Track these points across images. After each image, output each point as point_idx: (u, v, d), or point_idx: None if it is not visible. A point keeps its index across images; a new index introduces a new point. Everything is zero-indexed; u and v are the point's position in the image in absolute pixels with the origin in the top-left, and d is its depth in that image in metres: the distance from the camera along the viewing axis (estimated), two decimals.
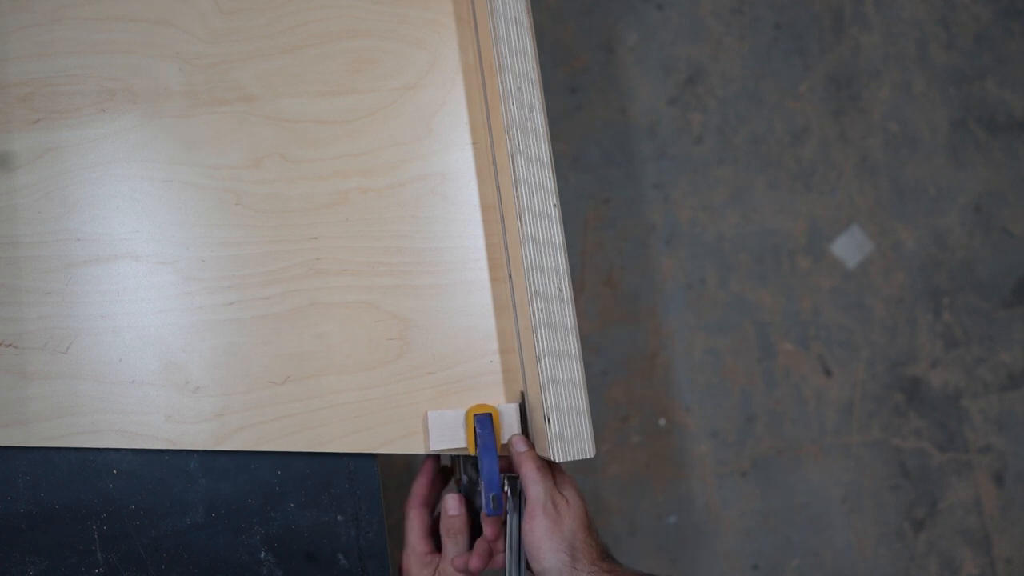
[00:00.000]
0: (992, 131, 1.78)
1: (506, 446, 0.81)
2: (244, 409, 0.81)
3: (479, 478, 0.79)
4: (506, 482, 0.79)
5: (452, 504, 0.81)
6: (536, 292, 0.77)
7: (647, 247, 1.69)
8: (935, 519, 1.66)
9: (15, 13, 0.84)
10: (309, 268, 0.84)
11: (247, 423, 0.81)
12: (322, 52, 0.88)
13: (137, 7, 0.86)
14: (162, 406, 0.80)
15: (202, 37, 0.86)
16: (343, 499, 0.82)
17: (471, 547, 0.80)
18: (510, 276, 0.84)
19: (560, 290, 0.77)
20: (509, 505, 0.78)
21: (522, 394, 0.82)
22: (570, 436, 0.75)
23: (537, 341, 0.76)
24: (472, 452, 0.79)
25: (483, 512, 0.79)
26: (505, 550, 0.78)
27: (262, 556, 0.81)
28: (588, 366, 1.59)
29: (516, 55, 0.81)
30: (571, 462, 0.75)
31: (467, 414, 0.80)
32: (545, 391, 0.75)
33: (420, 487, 0.84)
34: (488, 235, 0.86)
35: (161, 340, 0.81)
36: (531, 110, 0.80)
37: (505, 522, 0.79)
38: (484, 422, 0.79)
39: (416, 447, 0.82)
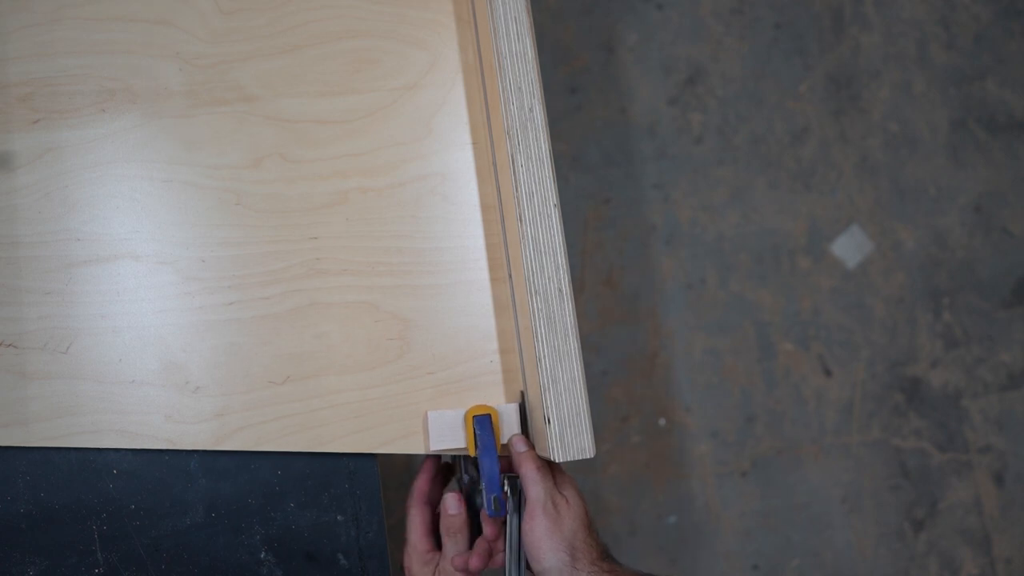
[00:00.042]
0: (992, 131, 1.78)
1: (506, 446, 0.81)
2: (244, 409, 0.81)
3: (480, 478, 0.79)
4: (506, 482, 0.79)
5: (451, 503, 0.81)
6: (536, 292, 0.77)
7: (647, 247, 1.69)
8: (935, 519, 1.66)
9: (15, 13, 0.84)
10: (309, 268, 0.84)
11: (247, 423, 0.81)
12: (322, 52, 0.88)
13: (137, 7, 0.86)
14: (162, 406, 0.80)
15: (202, 37, 0.86)
16: (343, 499, 0.82)
17: (471, 546, 0.80)
18: (510, 276, 0.84)
19: (560, 290, 0.77)
20: (509, 505, 0.78)
21: (522, 394, 0.82)
22: (570, 436, 0.75)
23: (537, 341, 0.76)
24: (472, 453, 0.79)
25: (483, 512, 0.79)
26: (505, 550, 0.78)
27: (262, 556, 0.81)
28: (588, 366, 1.59)
29: (516, 55, 0.81)
30: (571, 462, 0.75)
31: (466, 415, 0.80)
32: (545, 391, 0.75)
33: (421, 484, 0.84)
34: (488, 235, 0.86)
35: (161, 340, 0.81)
36: (531, 110, 0.80)
37: (505, 522, 0.79)
38: (483, 423, 0.79)
39: (416, 447, 0.82)
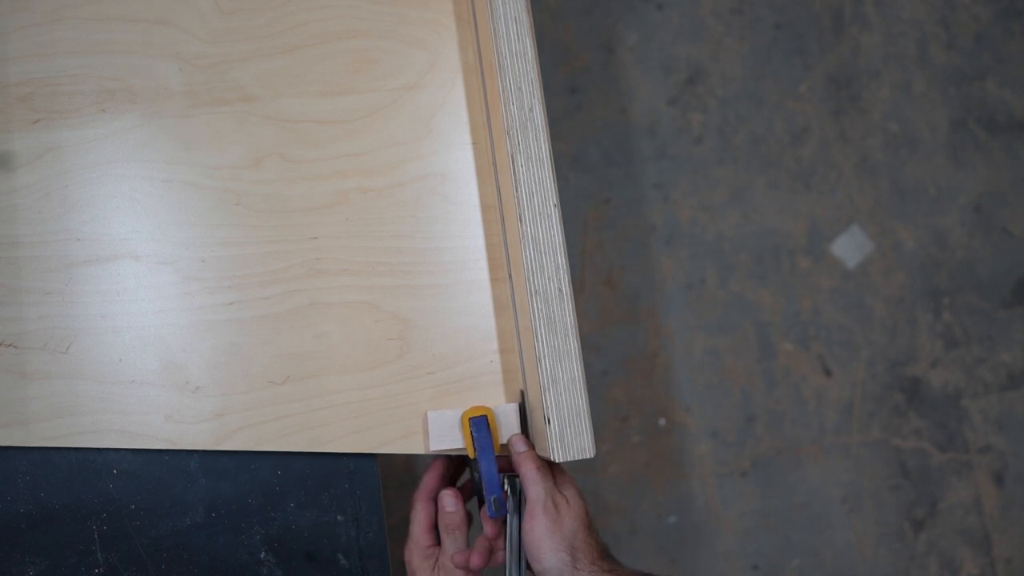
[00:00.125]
0: (992, 131, 1.78)
1: (506, 446, 0.81)
2: (244, 409, 0.81)
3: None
4: (506, 482, 0.79)
5: (449, 501, 0.81)
6: (536, 292, 0.77)
7: (647, 247, 1.69)
8: (935, 519, 1.66)
9: (15, 13, 0.84)
10: (309, 268, 0.84)
11: (247, 423, 0.81)
12: (322, 52, 0.88)
13: (137, 7, 0.86)
14: (162, 406, 0.80)
15: (202, 37, 0.86)
16: (343, 499, 0.82)
17: (470, 543, 0.81)
18: (510, 276, 0.84)
19: (560, 290, 0.77)
20: (510, 505, 0.78)
21: (522, 393, 0.82)
22: (570, 436, 0.75)
23: (537, 341, 0.76)
24: (472, 455, 0.79)
25: (483, 511, 0.79)
26: (505, 549, 0.78)
27: (262, 556, 0.81)
28: (588, 366, 1.59)
29: (516, 55, 0.81)
30: (571, 462, 0.75)
31: (463, 417, 0.80)
32: (545, 391, 0.75)
33: (430, 480, 0.84)
34: (488, 235, 0.86)
35: (161, 340, 0.81)
36: (531, 110, 0.80)
37: (505, 521, 0.79)
38: (480, 425, 0.79)
39: (416, 447, 0.82)
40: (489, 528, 0.80)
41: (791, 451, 1.65)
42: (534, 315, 0.76)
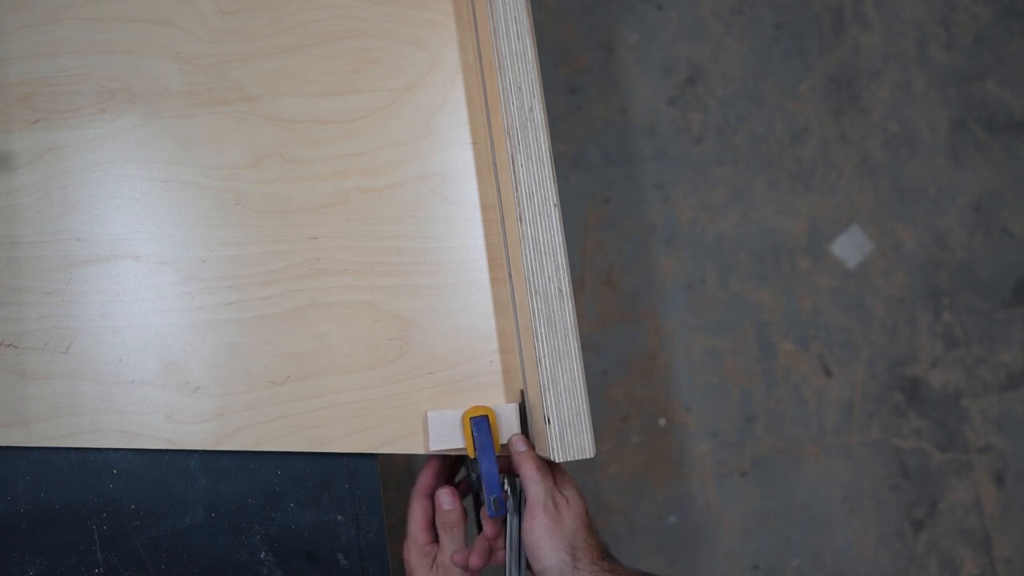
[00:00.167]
0: (992, 131, 1.78)
1: (506, 446, 0.81)
2: (244, 409, 0.81)
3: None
4: (506, 482, 0.79)
5: (446, 499, 0.81)
6: (536, 292, 0.77)
7: (647, 247, 1.69)
8: (935, 519, 1.66)
9: (15, 13, 0.84)
10: (309, 268, 0.84)
11: (247, 423, 0.81)
12: (322, 52, 0.88)
13: (137, 7, 0.86)
14: (162, 406, 0.80)
15: (202, 37, 0.86)
16: (343, 499, 0.82)
17: (467, 541, 0.81)
18: (510, 276, 0.84)
19: (560, 290, 0.77)
20: (510, 504, 0.78)
21: (522, 393, 0.82)
22: (570, 436, 0.75)
23: (537, 341, 0.76)
24: (472, 455, 0.79)
25: (483, 511, 0.79)
26: (505, 549, 0.78)
27: (262, 556, 0.81)
28: (588, 366, 1.59)
29: (516, 55, 0.81)
30: (571, 462, 0.75)
31: (463, 417, 0.80)
32: (545, 391, 0.75)
33: (426, 478, 0.84)
34: (488, 235, 0.86)
35: (161, 340, 0.81)
36: (531, 110, 0.80)
37: (505, 521, 0.79)
38: (481, 424, 0.79)
39: (416, 447, 0.82)
40: (489, 528, 0.80)
41: (791, 451, 1.65)
42: (534, 315, 0.76)
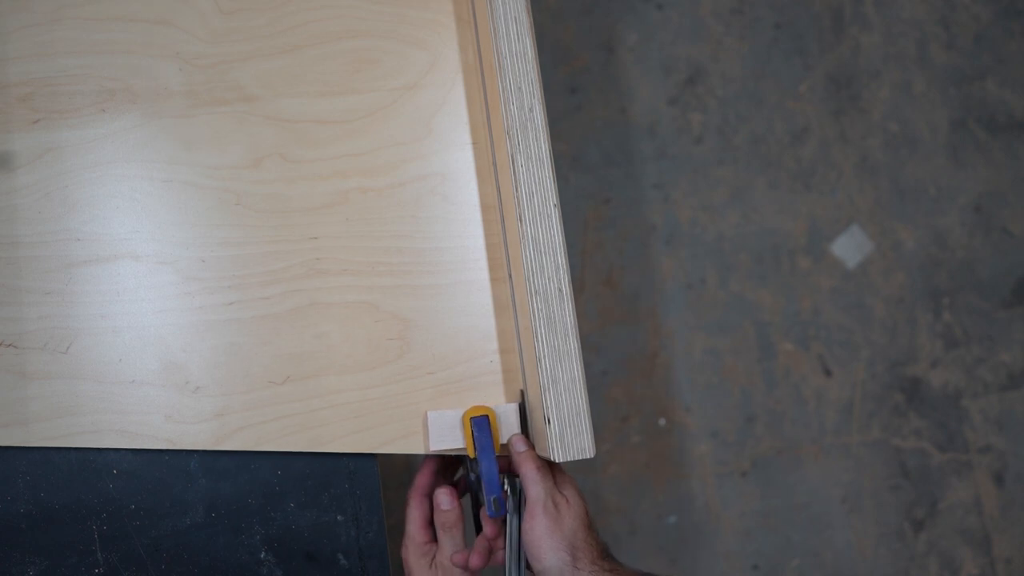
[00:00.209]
0: (992, 131, 1.78)
1: (506, 446, 0.81)
2: (244, 409, 0.81)
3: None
4: (506, 482, 0.79)
5: (444, 499, 0.81)
6: (536, 292, 0.77)
7: (647, 247, 1.69)
8: (935, 519, 1.66)
9: (15, 13, 0.84)
10: (309, 268, 0.84)
11: (247, 423, 0.81)
12: (322, 52, 0.88)
13: (137, 7, 0.86)
14: (162, 406, 0.80)
15: (202, 37, 0.86)
16: (343, 499, 0.82)
17: (466, 540, 0.81)
18: (510, 276, 0.84)
19: (560, 290, 0.77)
20: (509, 505, 0.78)
21: (522, 393, 0.82)
22: (570, 436, 0.75)
23: (537, 341, 0.76)
24: (472, 455, 0.79)
25: (483, 511, 0.79)
26: (505, 549, 0.78)
27: (262, 556, 0.81)
28: (588, 366, 1.59)
29: (516, 55, 0.81)
30: (571, 462, 0.75)
31: (464, 416, 0.80)
32: (545, 391, 0.75)
33: (423, 478, 0.84)
34: (488, 235, 0.86)
35: (161, 340, 0.81)
36: (531, 110, 0.80)
37: (505, 521, 0.79)
38: (481, 424, 0.79)
39: (416, 447, 0.82)
40: (488, 528, 0.80)
41: (791, 451, 1.65)
42: (534, 315, 0.76)
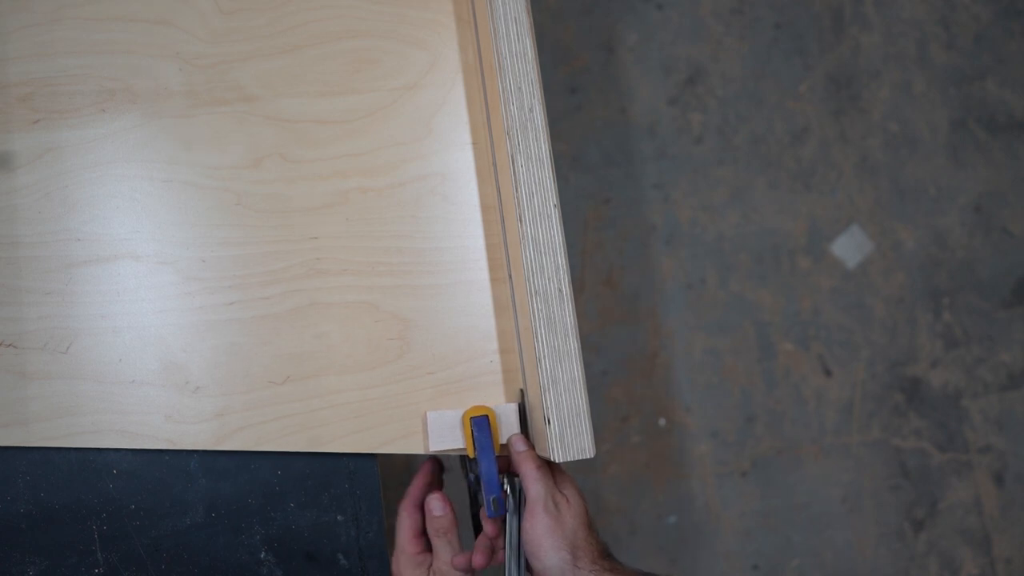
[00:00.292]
0: (992, 131, 1.78)
1: (506, 446, 0.81)
2: (244, 409, 0.81)
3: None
4: (506, 482, 0.79)
5: (436, 505, 0.80)
6: (536, 292, 0.77)
7: (647, 247, 1.69)
8: (935, 519, 1.66)
9: (15, 13, 0.84)
10: (309, 268, 0.84)
11: (247, 423, 0.81)
12: (322, 52, 0.88)
13: (137, 7, 0.86)
14: (162, 406, 0.80)
15: (202, 37, 0.86)
16: (343, 499, 0.82)
17: (461, 545, 0.80)
18: (510, 276, 0.84)
19: (560, 290, 0.77)
20: (509, 505, 0.78)
21: (522, 393, 0.82)
22: (570, 436, 0.75)
23: (537, 341, 0.76)
24: (472, 455, 0.79)
25: (482, 511, 0.79)
26: (505, 549, 0.78)
27: (262, 556, 0.81)
28: (588, 366, 1.59)
29: (516, 55, 0.81)
30: (571, 462, 0.75)
31: (464, 416, 0.80)
32: (545, 391, 0.75)
33: (415, 489, 0.84)
34: (488, 235, 0.86)
35: (161, 340, 0.81)
36: (531, 110, 0.80)
37: (505, 520, 0.79)
38: (481, 424, 0.79)
39: (416, 447, 0.82)
40: (489, 528, 0.80)
41: (791, 451, 1.65)
42: (534, 315, 0.76)
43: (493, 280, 0.86)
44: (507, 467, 0.81)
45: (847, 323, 1.70)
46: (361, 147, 0.87)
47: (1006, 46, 1.81)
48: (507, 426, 0.81)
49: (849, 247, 1.72)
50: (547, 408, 0.75)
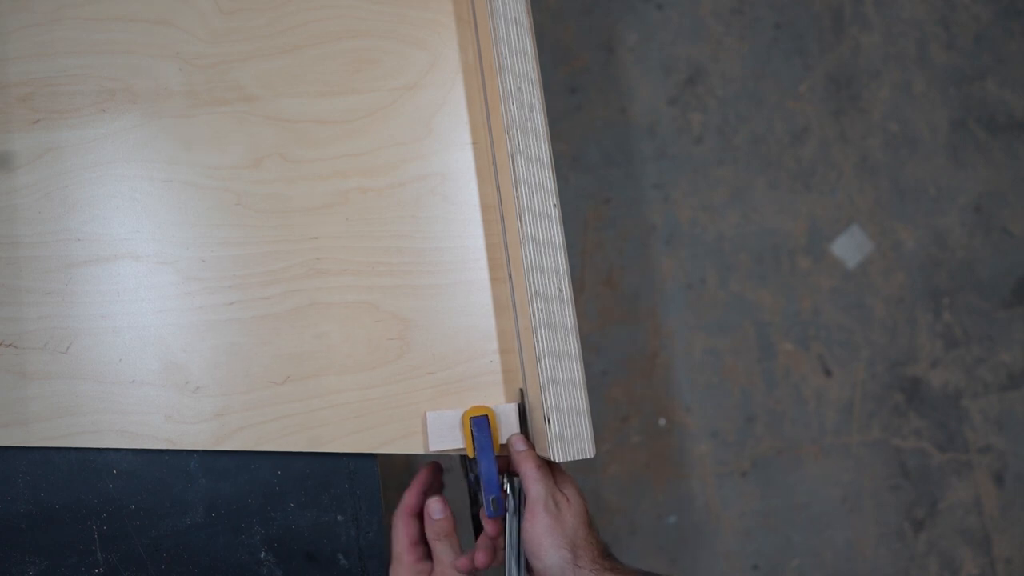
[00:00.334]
0: (992, 131, 1.78)
1: (505, 446, 0.81)
2: (244, 409, 0.81)
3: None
4: (505, 481, 0.79)
5: (435, 508, 0.80)
6: (536, 292, 0.77)
7: (647, 247, 1.69)
8: (935, 519, 1.66)
9: (15, 13, 0.84)
10: (309, 268, 0.84)
11: (247, 423, 0.81)
12: (322, 52, 0.88)
13: (137, 7, 0.86)
14: (162, 406, 0.80)
15: (202, 37, 0.86)
16: (343, 499, 0.82)
17: (461, 548, 0.80)
18: (510, 276, 0.84)
19: (560, 290, 0.77)
20: (509, 505, 0.78)
21: (522, 393, 0.82)
22: (570, 436, 0.75)
23: (537, 341, 0.76)
24: (472, 455, 0.79)
25: (482, 511, 0.79)
26: (505, 548, 0.78)
27: (262, 556, 0.81)
28: (588, 366, 1.59)
29: (516, 55, 0.81)
30: (571, 462, 0.75)
31: (463, 416, 0.80)
32: (545, 391, 0.75)
33: (411, 497, 0.83)
34: (488, 235, 0.86)
35: (161, 340, 0.81)
36: (531, 110, 0.80)
37: (505, 520, 0.79)
38: (481, 425, 0.79)
39: (416, 447, 0.82)
40: (490, 527, 0.80)
41: (791, 451, 1.65)
42: (534, 315, 0.76)
43: (493, 280, 0.86)
44: (507, 467, 0.81)
45: (847, 323, 1.70)
46: (361, 147, 0.87)
47: (1006, 46, 1.81)
48: (507, 426, 0.81)
49: (849, 247, 1.72)
50: (547, 408, 0.75)
